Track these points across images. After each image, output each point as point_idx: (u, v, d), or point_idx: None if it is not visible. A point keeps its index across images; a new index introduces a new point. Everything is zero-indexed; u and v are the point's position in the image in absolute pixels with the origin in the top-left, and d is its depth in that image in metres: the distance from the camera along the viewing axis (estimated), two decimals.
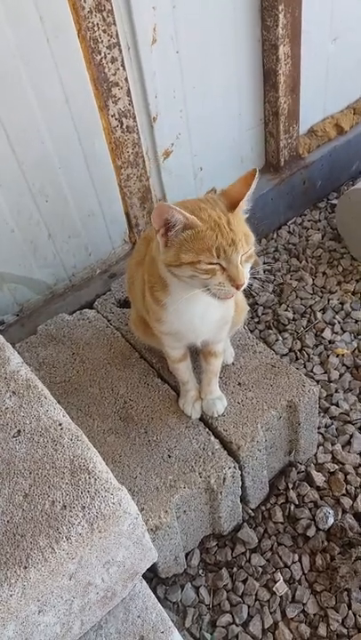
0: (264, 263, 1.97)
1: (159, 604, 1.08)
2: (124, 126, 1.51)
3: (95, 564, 0.93)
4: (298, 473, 1.47)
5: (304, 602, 1.30)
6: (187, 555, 1.36)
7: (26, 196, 1.49)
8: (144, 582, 1.11)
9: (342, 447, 1.52)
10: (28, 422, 1.00)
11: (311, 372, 1.68)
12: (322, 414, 1.58)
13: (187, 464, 1.24)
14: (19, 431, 0.99)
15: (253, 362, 1.40)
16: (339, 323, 1.79)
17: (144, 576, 1.11)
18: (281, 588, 1.32)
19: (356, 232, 1.93)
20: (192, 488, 1.21)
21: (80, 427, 1.02)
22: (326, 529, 1.38)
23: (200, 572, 1.36)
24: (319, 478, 1.45)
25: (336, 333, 1.77)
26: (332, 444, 1.52)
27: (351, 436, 1.53)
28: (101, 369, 1.43)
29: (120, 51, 1.39)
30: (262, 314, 1.85)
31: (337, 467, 1.47)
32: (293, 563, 1.35)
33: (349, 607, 1.27)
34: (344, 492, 1.43)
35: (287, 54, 1.74)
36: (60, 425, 1.00)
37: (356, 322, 1.79)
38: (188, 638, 1.27)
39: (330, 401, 1.62)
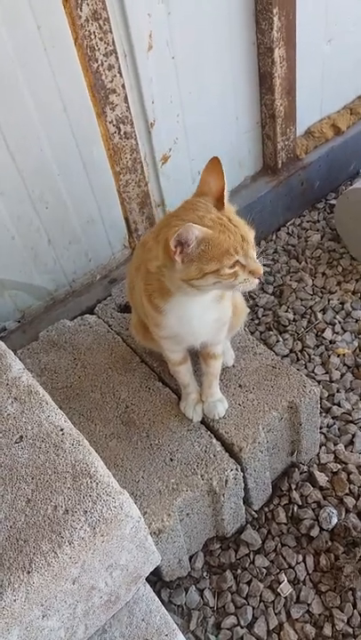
0: (264, 265, 1.98)
1: (163, 608, 1.09)
2: (121, 132, 1.52)
3: (98, 567, 0.94)
4: (300, 473, 1.47)
5: (309, 602, 1.30)
6: (190, 557, 1.36)
7: (26, 202, 1.50)
8: (148, 586, 1.11)
9: (345, 447, 1.52)
10: (29, 428, 1.01)
11: (313, 372, 1.69)
12: (324, 414, 1.58)
13: (189, 467, 1.24)
14: (21, 437, 1.00)
15: (254, 363, 1.40)
16: (339, 323, 1.80)
17: (148, 580, 1.11)
18: (285, 588, 1.32)
19: (355, 232, 1.93)
20: (194, 491, 1.21)
21: (82, 432, 1.03)
22: (330, 529, 1.38)
23: (204, 574, 1.37)
24: (322, 478, 1.45)
25: (337, 333, 1.77)
26: (335, 444, 1.52)
27: (353, 436, 1.53)
28: (103, 374, 1.44)
29: (117, 58, 1.40)
30: (262, 315, 1.85)
31: (340, 466, 1.48)
32: (297, 563, 1.35)
33: (355, 606, 1.28)
34: (347, 491, 1.43)
35: (282, 57, 1.75)
36: (62, 430, 1.01)
37: (357, 321, 1.79)
38: None
39: (332, 401, 1.62)
